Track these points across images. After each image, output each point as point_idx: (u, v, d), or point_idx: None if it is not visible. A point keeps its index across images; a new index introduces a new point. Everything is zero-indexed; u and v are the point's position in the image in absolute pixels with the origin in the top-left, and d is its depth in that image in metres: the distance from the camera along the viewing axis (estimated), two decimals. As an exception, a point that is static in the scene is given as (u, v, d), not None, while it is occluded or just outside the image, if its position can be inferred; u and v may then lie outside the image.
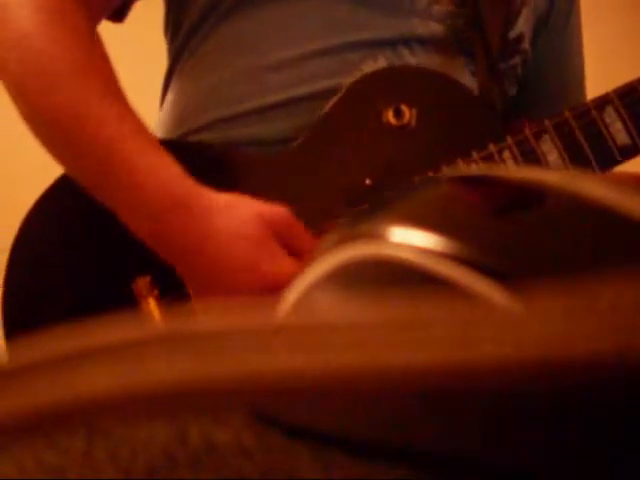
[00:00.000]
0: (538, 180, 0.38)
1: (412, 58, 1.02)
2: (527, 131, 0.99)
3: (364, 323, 0.25)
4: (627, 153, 0.99)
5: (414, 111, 0.99)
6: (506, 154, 0.98)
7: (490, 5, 1.06)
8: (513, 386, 0.24)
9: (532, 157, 0.98)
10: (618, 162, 0.99)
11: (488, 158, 0.98)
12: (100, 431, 0.32)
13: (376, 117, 0.99)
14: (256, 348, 0.25)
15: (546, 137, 0.98)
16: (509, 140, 0.98)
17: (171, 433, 0.32)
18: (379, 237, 0.37)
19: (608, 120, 0.98)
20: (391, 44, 1.02)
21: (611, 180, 0.36)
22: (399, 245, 0.36)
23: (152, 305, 0.97)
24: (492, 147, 0.98)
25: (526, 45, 1.12)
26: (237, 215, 0.88)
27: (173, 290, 0.97)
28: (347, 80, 1.00)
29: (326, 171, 0.99)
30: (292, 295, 0.40)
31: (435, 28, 1.03)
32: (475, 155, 0.98)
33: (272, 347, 0.25)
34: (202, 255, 0.88)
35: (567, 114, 0.98)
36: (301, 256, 0.90)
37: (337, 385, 0.25)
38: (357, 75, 1.00)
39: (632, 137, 0.98)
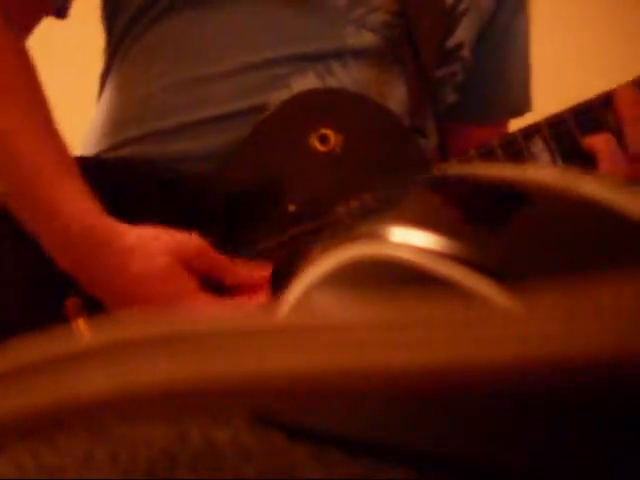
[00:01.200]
0: (537, 180, 0.38)
1: (344, 72, 1.01)
2: (453, 160, 0.99)
3: (364, 323, 0.25)
4: None
5: (340, 137, 0.99)
6: None
7: (426, 15, 1.06)
8: (513, 386, 0.24)
9: None
10: None
11: None
12: (100, 431, 0.32)
13: (302, 141, 0.99)
14: (256, 348, 0.25)
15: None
16: (435, 170, 0.98)
17: (171, 433, 0.32)
18: (379, 237, 0.37)
19: (535, 150, 0.97)
20: (323, 58, 1.01)
21: (611, 180, 0.36)
22: (399, 245, 0.36)
23: (82, 326, 0.97)
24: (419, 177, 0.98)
25: (466, 52, 1.11)
26: (147, 253, 0.90)
27: (102, 312, 0.97)
28: (275, 97, 1.00)
29: (249, 196, 0.99)
30: (292, 295, 0.40)
31: (369, 38, 1.03)
32: None
33: (272, 347, 0.25)
34: (116, 291, 0.92)
35: (494, 142, 0.98)
36: (216, 279, 0.93)
37: (337, 385, 0.25)
38: (285, 94, 1.00)
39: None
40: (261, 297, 0.94)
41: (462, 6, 1.09)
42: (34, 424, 0.26)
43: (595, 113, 0.98)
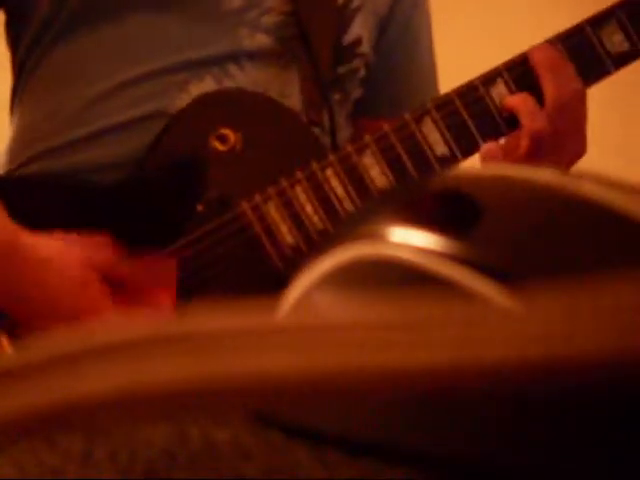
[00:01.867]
0: (539, 180, 0.38)
1: (241, 74, 1.04)
2: (349, 147, 1.02)
3: (364, 323, 0.25)
4: (446, 163, 1.02)
5: (239, 135, 1.02)
6: (329, 171, 1.01)
7: (318, 14, 1.09)
8: (513, 386, 0.24)
9: (355, 173, 1.01)
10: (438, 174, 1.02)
11: (311, 177, 1.00)
12: (100, 431, 0.32)
13: (203, 143, 1.02)
14: (256, 348, 0.25)
15: (368, 152, 1.01)
16: (331, 157, 1.01)
17: (171, 433, 0.32)
18: (379, 237, 0.37)
19: (426, 131, 1.02)
20: (219, 61, 1.04)
21: (611, 180, 0.36)
22: (399, 245, 0.36)
23: (5, 344, 0.98)
24: (315, 165, 1.01)
25: (365, 48, 1.14)
26: (61, 266, 0.93)
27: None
28: (174, 103, 1.03)
29: (158, 201, 1.03)
30: (292, 295, 0.40)
31: (263, 40, 1.05)
32: (299, 174, 1.00)
33: (272, 347, 0.25)
34: (33, 306, 0.94)
35: (386, 127, 1.02)
36: (129, 280, 0.97)
37: (337, 385, 0.25)
38: (184, 99, 1.03)
39: (450, 147, 1.01)
40: (167, 294, 0.98)
41: (355, 3, 1.12)
42: (34, 424, 0.26)
43: (478, 91, 1.03)
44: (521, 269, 0.34)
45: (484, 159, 1.00)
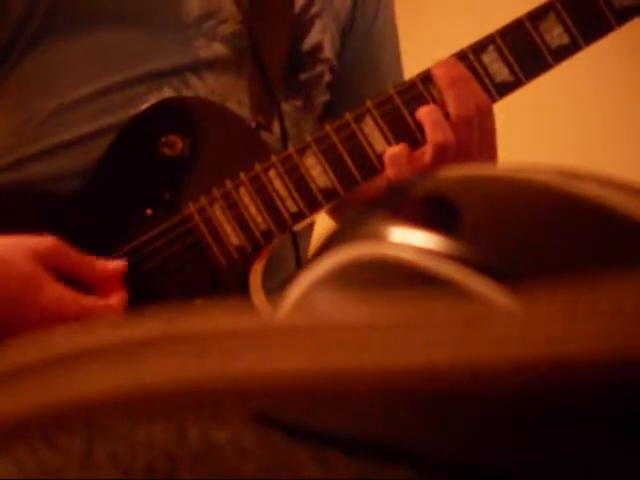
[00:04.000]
0: (539, 180, 0.38)
1: (200, 83, 1.07)
2: (291, 148, 1.04)
3: (364, 323, 0.25)
4: None
5: (186, 141, 1.05)
6: (272, 173, 1.02)
7: (270, 22, 1.11)
8: (514, 387, 0.24)
9: (297, 173, 1.02)
10: (379, 172, 1.03)
11: (255, 178, 1.02)
12: (100, 431, 0.32)
13: (152, 150, 1.06)
14: (256, 348, 0.25)
15: (309, 152, 1.03)
16: (274, 159, 1.03)
17: (171, 433, 0.32)
18: (379, 237, 0.37)
19: (367, 130, 1.03)
20: (178, 72, 1.06)
21: (610, 180, 0.36)
22: (399, 245, 0.36)
23: None
24: (258, 167, 1.03)
25: (327, 53, 1.16)
26: (5, 260, 0.94)
27: None
28: (132, 114, 1.06)
29: (110, 207, 1.06)
30: (293, 294, 0.40)
31: (220, 49, 1.08)
32: (243, 176, 1.02)
33: (272, 347, 0.25)
34: None
35: (328, 127, 1.03)
36: (77, 277, 0.98)
37: (336, 385, 0.25)
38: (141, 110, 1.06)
39: (390, 145, 1.03)
40: (117, 292, 1.00)
41: (313, 9, 1.14)
42: (34, 424, 0.26)
43: (418, 89, 1.04)
44: (521, 269, 0.34)
45: (387, 164, 1.00)
